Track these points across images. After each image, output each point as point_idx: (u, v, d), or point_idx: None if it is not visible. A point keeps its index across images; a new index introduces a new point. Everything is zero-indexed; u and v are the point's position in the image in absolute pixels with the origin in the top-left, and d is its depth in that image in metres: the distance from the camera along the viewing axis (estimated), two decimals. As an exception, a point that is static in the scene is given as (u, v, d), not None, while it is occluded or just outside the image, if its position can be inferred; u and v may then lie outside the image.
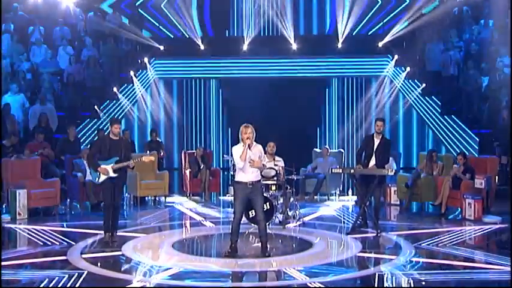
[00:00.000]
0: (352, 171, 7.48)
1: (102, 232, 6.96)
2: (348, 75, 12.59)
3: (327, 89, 12.61)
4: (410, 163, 11.52)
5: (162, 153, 11.25)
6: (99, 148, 6.87)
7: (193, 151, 11.29)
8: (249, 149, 6.04)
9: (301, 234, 7.46)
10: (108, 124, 6.98)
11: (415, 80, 12.29)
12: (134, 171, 10.20)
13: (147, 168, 10.53)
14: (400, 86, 12.28)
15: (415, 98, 12.13)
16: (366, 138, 7.75)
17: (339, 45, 11.91)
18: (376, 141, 7.54)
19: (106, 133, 7.09)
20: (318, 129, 12.88)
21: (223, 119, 12.98)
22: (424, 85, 12.00)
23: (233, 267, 5.86)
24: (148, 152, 10.34)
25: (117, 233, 7.02)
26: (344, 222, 8.38)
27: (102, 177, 6.84)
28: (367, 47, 12.26)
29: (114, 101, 12.38)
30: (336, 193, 10.79)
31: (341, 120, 12.70)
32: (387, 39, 12.12)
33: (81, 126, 11.88)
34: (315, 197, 10.69)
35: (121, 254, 6.34)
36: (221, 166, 12.58)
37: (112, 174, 6.82)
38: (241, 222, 6.33)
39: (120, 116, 12.25)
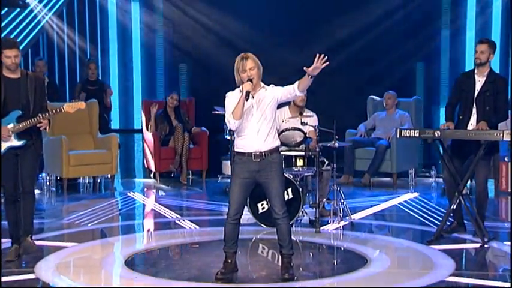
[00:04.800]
0: (437, 134, 7.31)
1: (9, 241, 6.91)
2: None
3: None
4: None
5: (107, 97, 11.07)
6: None
7: (164, 100, 11.26)
8: (251, 96, 5.93)
9: (348, 242, 7.49)
10: None
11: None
12: (57, 134, 10.09)
13: (79, 129, 10.52)
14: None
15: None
16: (459, 79, 7.67)
17: None
18: (479, 82, 7.46)
19: None
20: (375, 63, 12.64)
21: (216, 44, 12.81)
22: None
23: (230, 299, 5.92)
24: (78, 99, 10.19)
25: (33, 237, 6.97)
26: (423, 222, 8.32)
27: (1, 148, 6.69)
28: None
29: (18, 10, 12.15)
30: (409, 173, 10.68)
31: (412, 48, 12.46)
32: None
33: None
34: (371, 179, 10.63)
35: (34, 278, 6.27)
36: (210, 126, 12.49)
37: (15, 143, 6.68)
38: (243, 221, 6.31)
39: (25, 40, 12.06)
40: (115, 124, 12.34)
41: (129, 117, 12.98)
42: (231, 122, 5.98)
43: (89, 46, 12.51)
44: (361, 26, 12.61)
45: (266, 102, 6.02)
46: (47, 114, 6.67)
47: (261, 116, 6.00)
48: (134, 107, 12.92)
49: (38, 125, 6.67)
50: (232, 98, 6.03)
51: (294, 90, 6.03)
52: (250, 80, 5.91)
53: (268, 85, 6.13)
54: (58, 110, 6.76)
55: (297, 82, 6.02)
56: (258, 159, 6.01)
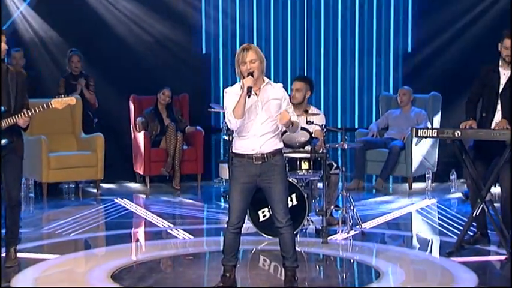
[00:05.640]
0: (458, 134, 7.30)
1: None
2: None
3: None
4: None
5: (89, 92, 11.10)
6: None
7: (155, 96, 11.24)
8: (253, 93, 5.91)
9: (359, 254, 7.50)
10: None
11: None
12: (35, 134, 10.05)
13: (61, 128, 10.52)
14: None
15: None
16: (481, 72, 7.66)
17: None
18: (504, 76, 7.46)
19: None
20: (388, 55, 12.66)
21: (214, 34, 12.81)
22: None
23: (228, 317, 5.92)
24: (63, 94, 10.16)
25: (16, 251, 7.01)
26: (442, 232, 8.31)
27: None
28: None
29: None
30: (426, 177, 10.70)
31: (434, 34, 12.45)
32: None
33: None
34: (384, 184, 10.64)
35: (11, 293, 6.30)
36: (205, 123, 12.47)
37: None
38: (244, 230, 6.28)
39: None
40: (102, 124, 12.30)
41: (116, 115, 12.95)
42: (231, 122, 5.94)
43: (68, 38, 12.48)
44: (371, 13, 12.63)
45: (273, 102, 5.98)
46: (33, 111, 6.65)
47: (268, 118, 5.96)
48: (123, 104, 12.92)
49: (18, 123, 6.67)
50: (231, 95, 6.00)
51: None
52: (251, 74, 5.88)
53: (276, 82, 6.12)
54: (46, 106, 6.76)
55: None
56: (260, 162, 5.99)
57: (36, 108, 6.69)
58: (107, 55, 12.18)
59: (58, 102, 6.85)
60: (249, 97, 5.88)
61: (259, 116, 5.97)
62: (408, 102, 10.99)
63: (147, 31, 12.56)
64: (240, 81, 5.98)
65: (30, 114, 6.65)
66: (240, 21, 12.52)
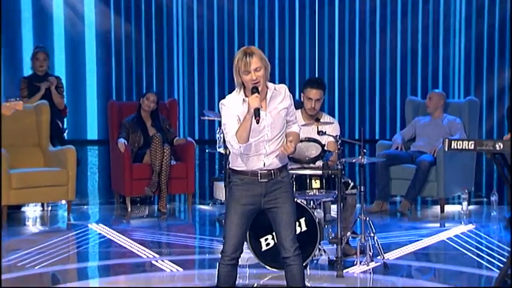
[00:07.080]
0: (499, 146, 7.26)
1: None
2: None
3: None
4: None
5: (58, 96, 11.07)
6: None
7: (137, 101, 11.24)
8: (262, 108, 5.85)
9: (382, 291, 7.41)
10: None
11: None
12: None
13: (24, 140, 10.50)
14: None
15: None
16: None
17: None
18: None
19: None
20: (417, 55, 12.68)
21: (208, 32, 12.86)
22: None
23: None
24: (23, 97, 10.16)
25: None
26: (481, 264, 8.32)
27: None
28: None
29: None
30: (462, 198, 10.68)
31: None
32: None
33: None
34: (411, 206, 10.65)
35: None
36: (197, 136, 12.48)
37: None
38: (242, 261, 6.35)
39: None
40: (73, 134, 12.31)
41: (90, 125, 12.99)
42: (234, 147, 5.87)
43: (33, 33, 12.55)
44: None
45: (282, 114, 5.94)
46: None
47: (276, 134, 5.94)
48: (87, 111, 12.97)
49: None
50: (230, 109, 5.90)
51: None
52: (257, 90, 5.79)
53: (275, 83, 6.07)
54: None
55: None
56: (266, 180, 5.94)
57: None
58: (79, 54, 12.23)
59: (6, 108, 6.82)
60: (258, 122, 5.77)
61: (268, 136, 5.92)
62: (439, 108, 10.94)
63: (131, 28, 12.62)
64: (238, 89, 5.90)
65: None
66: (238, 18, 12.57)
